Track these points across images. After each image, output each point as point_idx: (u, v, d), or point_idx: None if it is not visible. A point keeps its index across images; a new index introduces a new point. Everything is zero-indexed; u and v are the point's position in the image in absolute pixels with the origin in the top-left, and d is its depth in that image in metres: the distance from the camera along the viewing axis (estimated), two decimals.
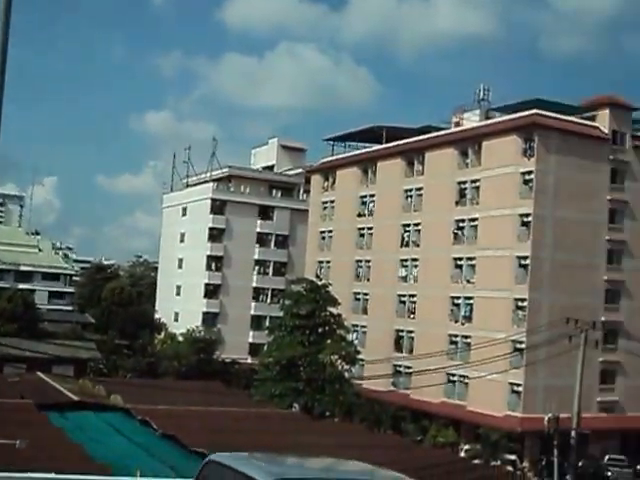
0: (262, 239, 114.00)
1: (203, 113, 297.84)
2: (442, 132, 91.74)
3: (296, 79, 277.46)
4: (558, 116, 79.33)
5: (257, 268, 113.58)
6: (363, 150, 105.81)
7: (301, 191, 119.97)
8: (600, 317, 74.69)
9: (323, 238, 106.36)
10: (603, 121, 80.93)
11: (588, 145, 79.31)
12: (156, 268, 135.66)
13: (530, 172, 77.25)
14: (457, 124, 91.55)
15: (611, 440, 77.73)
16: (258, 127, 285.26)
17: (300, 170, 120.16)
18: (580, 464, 61.58)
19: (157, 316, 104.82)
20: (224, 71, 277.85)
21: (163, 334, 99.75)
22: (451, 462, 28.63)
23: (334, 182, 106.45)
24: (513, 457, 70.62)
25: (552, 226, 76.92)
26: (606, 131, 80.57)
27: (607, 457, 74.04)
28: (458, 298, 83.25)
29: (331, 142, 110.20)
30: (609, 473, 71.13)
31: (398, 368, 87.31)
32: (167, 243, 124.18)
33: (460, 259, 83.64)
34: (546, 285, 76.23)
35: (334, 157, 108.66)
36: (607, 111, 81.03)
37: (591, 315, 68.14)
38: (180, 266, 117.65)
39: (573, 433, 55.94)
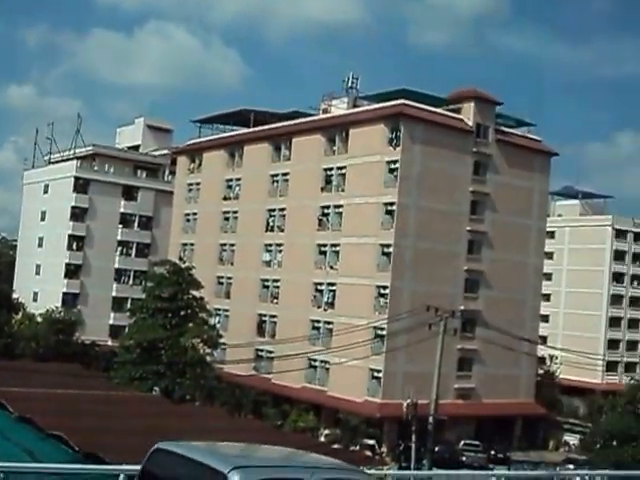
0: (126, 220, 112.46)
1: (68, 89, 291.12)
2: (310, 118, 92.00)
3: (164, 58, 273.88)
4: (424, 107, 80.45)
5: (120, 249, 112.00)
6: (230, 133, 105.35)
7: (166, 172, 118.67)
8: (459, 306, 76.25)
9: (188, 220, 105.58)
10: (468, 114, 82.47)
11: (453, 137, 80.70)
12: (15, 246, 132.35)
13: (395, 161, 78.14)
14: (325, 111, 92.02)
15: (467, 426, 79.63)
16: (124, 106, 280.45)
17: (166, 151, 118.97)
18: (437, 449, 62.79)
19: (15, 296, 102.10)
20: (91, 47, 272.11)
21: (21, 314, 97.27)
22: (311, 447, 28.64)
23: (200, 164, 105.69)
24: (372, 442, 71.54)
25: (415, 215, 78.05)
26: (470, 124, 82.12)
27: (462, 442, 75.77)
28: (321, 284, 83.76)
29: (198, 124, 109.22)
30: (464, 458, 72.72)
31: (260, 353, 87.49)
32: (27, 221, 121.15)
33: (324, 245, 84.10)
34: (408, 273, 77.35)
35: (201, 139, 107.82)
36: (472, 104, 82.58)
37: (451, 304, 69.46)
38: (40, 245, 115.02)
39: (430, 419, 57.00)
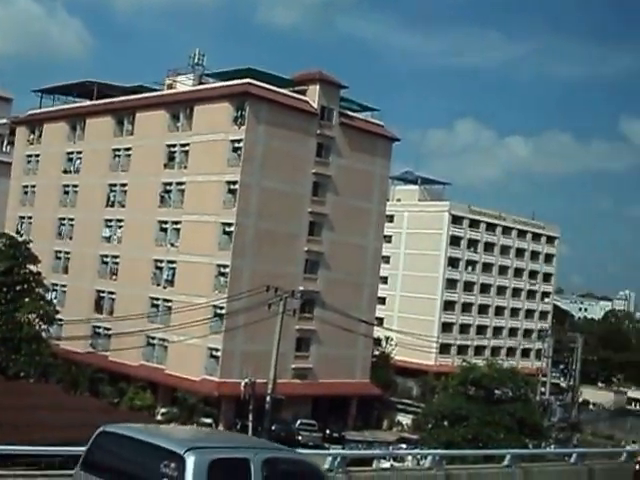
0: None
1: None
2: (154, 93, 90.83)
3: (5, 24, 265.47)
4: (270, 87, 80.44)
5: None
6: (73, 105, 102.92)
7: (5, 143, 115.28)
8: (299, 286, 76.69)
9: (26, 193, 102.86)
10: (313, 96, 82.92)
11: (297, 118, 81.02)
12: None
13: (239, 140, 78.03)
14: (170, 87, 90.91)
15: (304, 405, 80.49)
16: None
17: (5, 120, 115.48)
18: (273, 428, 63.27)
19: None
20: None
21: None
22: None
23: (40, 136, 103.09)
24: (209, 421, 71.57)
25: (258, 195, 78.16)
26: (315, 106, 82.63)
27: (299, 422, 76.56)
28: (161, 261, 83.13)
29: (40, 94, 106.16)
30: (300, 437, 73.50)
31: (97, 329, 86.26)
32: None
33: (165, 222, 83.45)
34: (249, 253, 77.47)
35: (42, 110, 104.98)
36: (317, 87, 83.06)
37: (291, 284, 69.81)
38: None
39: (268, 398, 57.42)
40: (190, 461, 10.32)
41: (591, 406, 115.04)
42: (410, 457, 46.15)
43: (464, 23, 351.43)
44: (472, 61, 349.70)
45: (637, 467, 24.65)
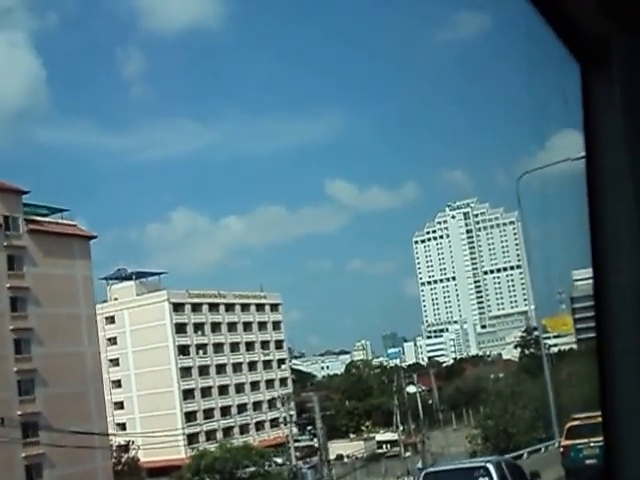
0: None
1: None
2: None
3: None
4: None
5: None
6: None
7: None
8: (17, 411, 71.41)
9: None
10: None
11: None
12: None
13: None
14: None
15: None
16: None
17: None
18: None
19: None
20: None
21: None
22: None
23: None
24: None
25: None
26: None
27: None
28: None
29: None
30: None
31: None
32: None
33: None
34: None
35: None
36: None
37: (6, 410, 64.85)
38: None
39: None
40: (490, 466, 20.49)
41: (345, 459, 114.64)
42: None
43: (156, 116, 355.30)
44: (170, 151, 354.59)
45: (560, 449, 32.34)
